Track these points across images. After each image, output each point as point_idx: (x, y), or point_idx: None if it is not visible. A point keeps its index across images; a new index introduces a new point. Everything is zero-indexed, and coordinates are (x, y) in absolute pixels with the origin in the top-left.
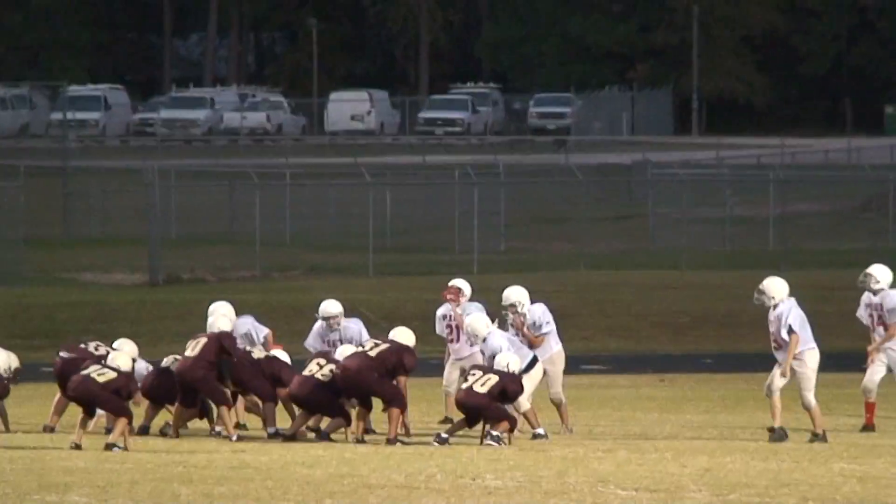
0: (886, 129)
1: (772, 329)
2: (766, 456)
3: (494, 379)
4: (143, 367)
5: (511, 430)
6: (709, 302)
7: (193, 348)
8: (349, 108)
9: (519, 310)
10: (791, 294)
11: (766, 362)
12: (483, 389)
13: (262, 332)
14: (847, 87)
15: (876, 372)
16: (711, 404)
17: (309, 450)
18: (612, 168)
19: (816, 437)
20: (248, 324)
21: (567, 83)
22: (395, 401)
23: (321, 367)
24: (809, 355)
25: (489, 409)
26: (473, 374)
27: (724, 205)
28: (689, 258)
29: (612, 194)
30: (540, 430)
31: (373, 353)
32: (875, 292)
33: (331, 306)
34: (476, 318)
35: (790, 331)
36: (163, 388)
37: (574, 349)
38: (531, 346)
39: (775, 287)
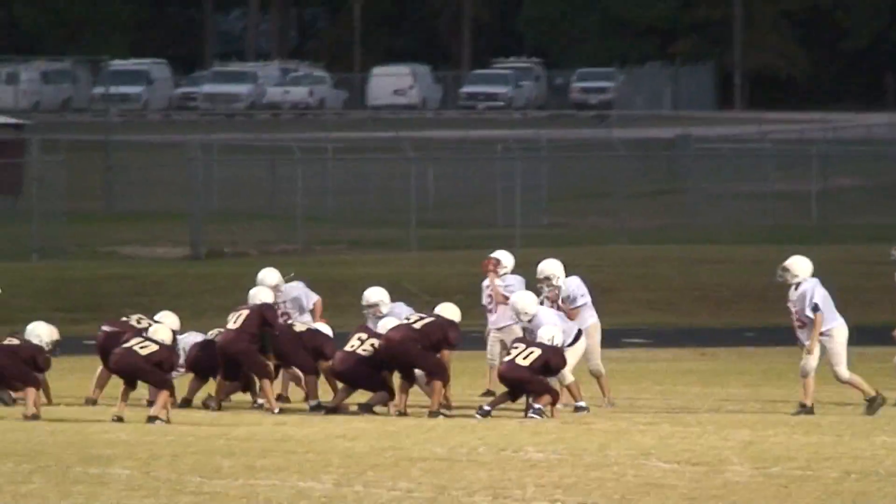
0: None
1: (794, 308)
2: (808, 429)
3: (537, 352)
4: (191, 339)
5: (554, 403)
6: (749, 276)
7: (235, 321)
8: (391, 82)
9: (553, 283)
10: (832, 270)
11: None
12: (525, 363)
13: (313, 298)
14: (889, 61)
15: None
16: (753, 378)
17: (351, 422)
18: (654, 143)
19: (872, 400)
20: (298, 288)
21: (608, 58)
22: (438, 373)
23: (363, 341)
24: (838, 331)
25: (531, 383)
26: (516, 347)
27: (766, 179)
28: (729, 233)
29: (653, 169)
30: (581, 403)
31: (417, 326)
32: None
33: (372, 294)
34: (522, 296)
35: (815, 309)
36: (206, 361)
37: (614, 323)
38: (569, 319)
39: (799, 265)
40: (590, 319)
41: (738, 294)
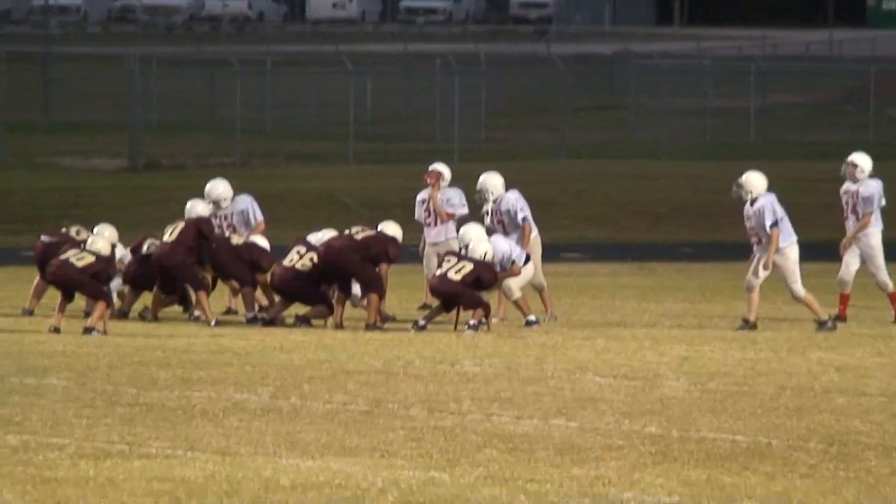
0: (868, 21)
1: (750, 224)
2: (744, 345)
3: (469, 266)
4: (124, 254)
5: (486, 316)
6: (688, 192)
7: (171, 233)
8: None
9: (486, 196)
10: (770, 187)
11: (744, 252)
12: (457, 277)
13: (259, 216)
14: None
15: (851, 264)
16: (689, 293)
17: (287, 335)
18: (593, 58)
19: (822, 324)
20: (247, 202)
21: None
22: (374, 286)
23: (301, 255)
24: (790, 249)
25: (463, 296)
26: (448, 261)
27: (705, 96)
28: (668, 149)
29: (592, 85)
30: (532, 318)
31: (358, 237)
32: (856, 180)
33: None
34: (470, 229)
35: (774, 224)
36: (143, 274)
37: (553, 238)
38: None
39: (754, 181)
40: (530, 234)
41: (675, 210)
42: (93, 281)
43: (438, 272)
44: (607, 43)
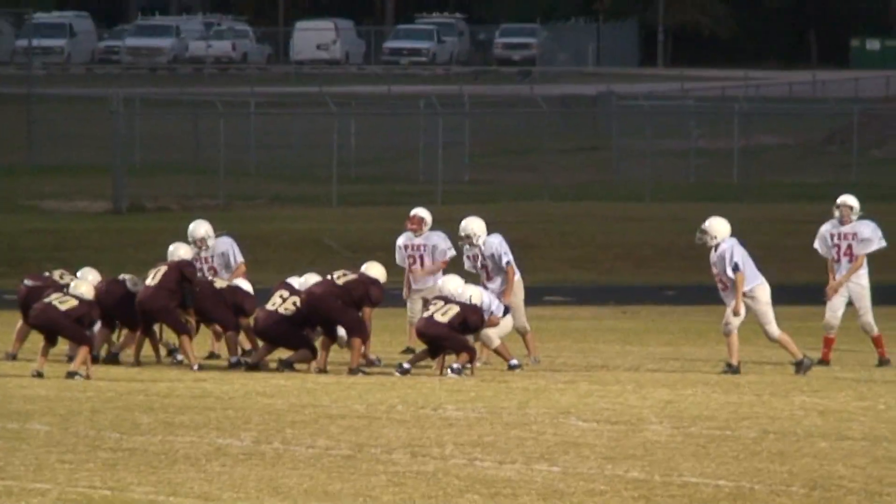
0: (851, 61)
1: (715, 270)
2: (728, 389)
3: (456, 309)
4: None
5: (471, 361)
6: (672, 234)
7: (154, 277)
8: (315, 37)
9: (474, 241)
10: (753, 228)
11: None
12: (444, 319)
13: (239, 258)
14: (812, 19)
15: (838, 307)
16: (673, 336)
17: (270, 379)
18: (577, 99)
19: (799, 364)
20: (227, 244)
21: (532, 14)
22: (357, 330)
23: (284, 299)
24: (760, 290)
25: (448, 339)
26: (434, 304)
27: (689, 137)
28: (652, 190)
29: (576, 126)
30: (514, 362)
31: (340, 282)
32: (850, 222)
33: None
34: (449, 280)
35: (735, 269)
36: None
37: (536, 280)
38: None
39: (718, 227)
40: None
41: (659, 252)
42: (76, 325)
43: (425, 314)
44: (591, 83)
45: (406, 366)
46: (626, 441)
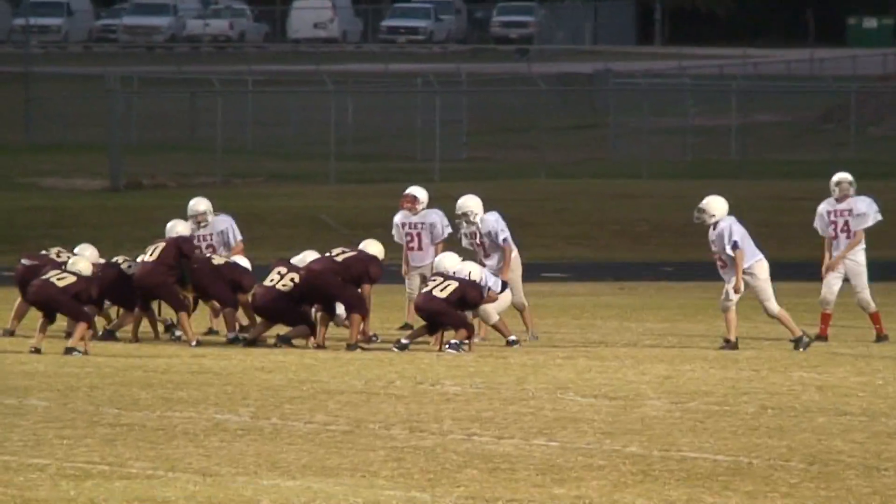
0: (848, 40)
1: (714, 248)
2: (726, 364)
3: (454, 285)
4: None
5: (469, 337)
6: (669, 211)
7: (152, 253)
8: (312, 15)
9: (471, 219)
10: (751, 205)
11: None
12: (442, 295)
13: (238, 236)
14: None
15: (833, 283)
16: (670, 312)
17: (268, 355)
18: (574, 77)
19: (798, 341)
20: (227, 222)
21: None
22: (357, 307)
23: (282, 276)
24: (759, 267)
25: (447, 315)
26: (434, 280)
27: (686, 115)
28: (649, 167)
29: (573, 104)
30: (512, 338)
31: (339, 259)
32: (840, 200)
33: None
34: (445, 256)
35: (735, 246)
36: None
37: (534, 257)
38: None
39: (715, 205)
40: (511, 254)
41: (656, 228)
42: (74, 301)
43: (424, 290)
44: (588, 62)
45: (404, 342)
46: (625, 416)
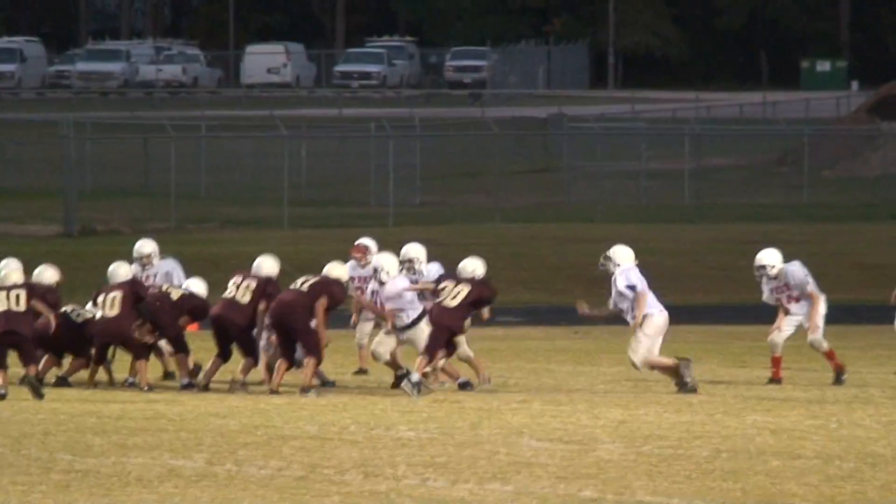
0: (802, 83)
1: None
2: (680, 408)
3: (466, 289)
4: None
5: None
6: None
7: (112, 305)
8: (265, 60)
9: (415, 266)
10: (705, 249)
11: (679, 314)
12: (454, 302)
13: (182, 279)
14: (763, 41)
15: (785, 329)
16: (624, 356)
17: (223, 400)
18: (528, 121)
19: (683, 385)
20: (171, 264)
21: (482, 37)
22: (314, 351)
23: (238, 286)
24: (648, 322)
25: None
26: (444, 288)
27: (640, 158)
28: (603, 211)
29: (527, 148)
30: (463, 380)
31: (305, 288)
32: (772, 277)
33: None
34: (386, 256)
35: (631, 287)
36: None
37: None
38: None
39: (621, 254)
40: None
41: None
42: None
43: (437, 301)
44: (542, 106)
45: (417, 378)
46: (579, 460)
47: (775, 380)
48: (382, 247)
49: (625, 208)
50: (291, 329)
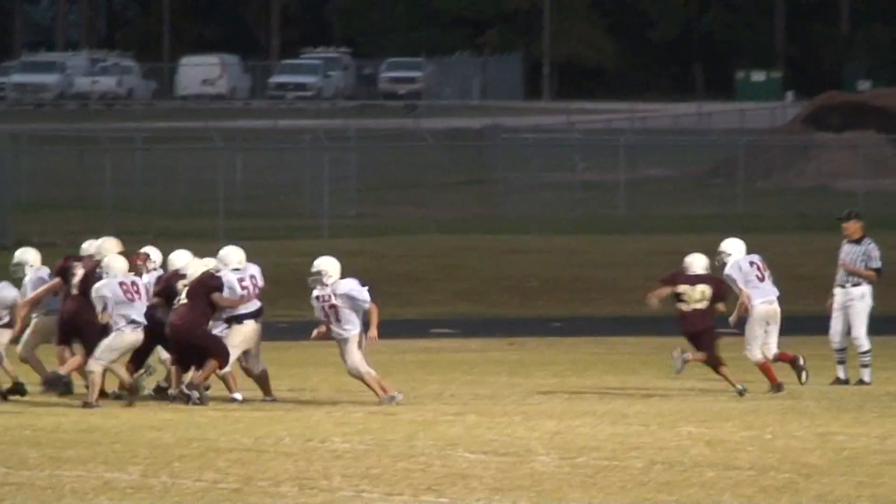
0: (737, 93)
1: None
2: (615, 419)
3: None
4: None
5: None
6: (558, 266)
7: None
8: (200, 72)
9: (323, 280)
10: (640, 261)
11: (614, 327)
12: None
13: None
14: (697, 51)
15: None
16: (560, 368)
17: (157, 413)
18: (463, 133)
19: None
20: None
21: (417, 48)
22: (220, 355)
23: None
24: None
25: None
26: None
27: (574, 170)
28: (538, 223)
29: (462, 159)
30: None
31: (187, 300)
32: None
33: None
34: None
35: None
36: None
37: (423, 313)
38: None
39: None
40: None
41: (546, 284)
42: None
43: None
44: (477, 117)
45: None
46: (514, 472)
47: (775, 385)
48: (316, 258)
49: (560, 219)
50: (193, 346)
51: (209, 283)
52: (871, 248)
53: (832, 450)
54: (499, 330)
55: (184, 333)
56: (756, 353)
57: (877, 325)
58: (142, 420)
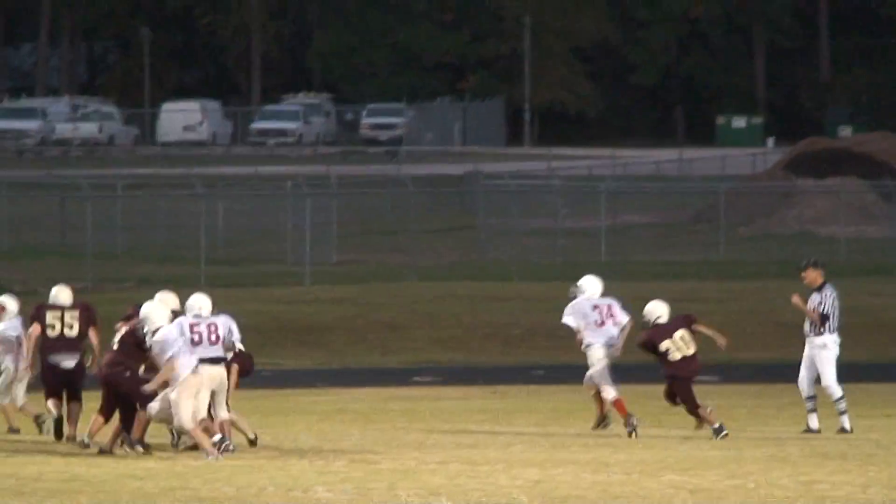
0: (717, 139)
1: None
2: (597, 468)
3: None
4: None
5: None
6: (539, 313)
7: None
8: (181, 118)
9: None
10: (623, 306)
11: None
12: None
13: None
14: (678, 97)
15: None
16: (542, 416)
17: (140, 462)
18: (444, 179)
19: None
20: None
21: (398, 94)
22: (145, 405)
23: (118, 331)
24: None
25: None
26: None
27: (555, 216)
28: (519, 270)
29: (443, 205)
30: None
31: (116, 346)
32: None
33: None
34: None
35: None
36: None
37: (405, 360)
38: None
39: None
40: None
41: (527, 331)
42: None
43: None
44: (458, 163)
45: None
46: None
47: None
48: (298, 305)
49: (541, 266)
50: (125, 394)
51: (137, 335)
52: (826, 296)
53: (815, 498)
54: (481, 378)
55: (110, 378)
56: (610, 392)
57: (858, 372)
58: (124, 469)
